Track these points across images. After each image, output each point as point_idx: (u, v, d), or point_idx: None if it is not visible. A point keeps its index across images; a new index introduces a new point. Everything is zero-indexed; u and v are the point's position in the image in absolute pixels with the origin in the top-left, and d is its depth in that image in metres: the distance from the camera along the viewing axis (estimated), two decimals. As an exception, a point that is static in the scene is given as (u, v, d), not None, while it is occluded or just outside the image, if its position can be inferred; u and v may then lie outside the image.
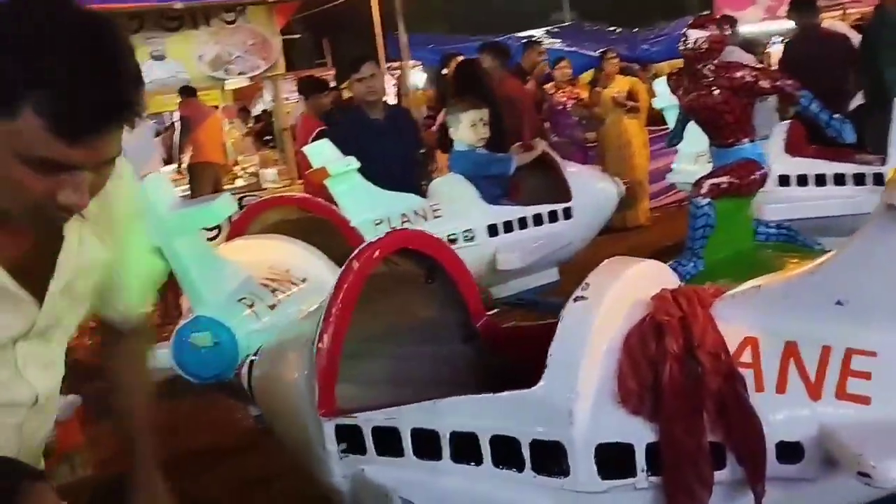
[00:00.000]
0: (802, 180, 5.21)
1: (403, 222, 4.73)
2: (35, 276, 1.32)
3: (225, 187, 8.26)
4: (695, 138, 4.91)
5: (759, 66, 5.61)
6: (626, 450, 1.74)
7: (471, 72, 6.47)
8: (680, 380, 1.70)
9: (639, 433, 1.73)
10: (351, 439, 2.09)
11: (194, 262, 3.16)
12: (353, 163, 4.81)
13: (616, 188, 5.54)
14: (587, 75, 9.45)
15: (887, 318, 1.60)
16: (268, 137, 10.78)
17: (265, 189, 7.98)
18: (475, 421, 1.90)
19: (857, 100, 5.99)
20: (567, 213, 5.13)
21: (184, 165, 8.73)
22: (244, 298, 3.23)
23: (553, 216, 5.09)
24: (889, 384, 1.57)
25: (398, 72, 10.84)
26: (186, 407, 4.36)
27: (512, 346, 2.48)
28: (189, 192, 7.69)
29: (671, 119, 5.67)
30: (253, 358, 2.76)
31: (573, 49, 10.23)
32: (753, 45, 7.99)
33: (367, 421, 2.06)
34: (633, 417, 1.74)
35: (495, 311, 5.78)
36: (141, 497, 1.57)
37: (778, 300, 1.75)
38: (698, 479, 1.66)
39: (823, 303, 1.67)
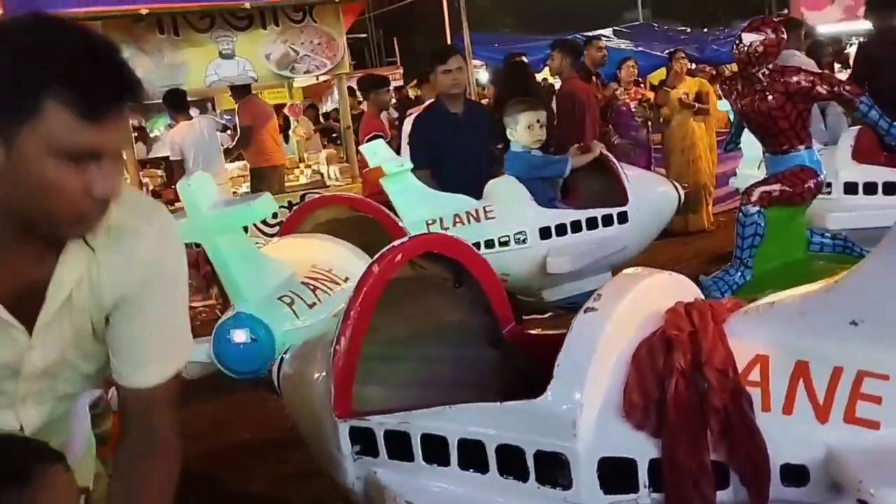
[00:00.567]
0: (870, 188, 5.04)
1: (456, 223, 4.75)
2: (29, 306, 1.35)
3: (289, 184, 8.42)
4: (759, 143, 4.80)
5: (817, 70, 5.43)
6: (628, 464, 1.71)
7: (515, 72, 6.44)
8: (685, 396, 1.67)
9: (642, 448, 1.70)
10: (365, 441, 2.11)
11: (235, 259, 3.23)
12: (407, 163, 4.85)
13: (675, 193, 5.44)
14: (657, 74, 9.29)
15: (903, 341, 1.54)
16: (336, 135, 10.95)
17: (328, 186, 8.10)
18: (482, 429, 1.90)
19: None
20: (622, 218, 5.05)
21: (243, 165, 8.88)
22: (284, 296, 3.28)
23: (608, 220, 5.03)
24: (900, 410, 1.51)
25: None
26: (237, 402, 4.46)
27: (538, 351, 2.46)
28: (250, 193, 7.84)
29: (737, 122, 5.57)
30: (284, 356, 2.81)
31: (641, 49, 10.10)
32: (822, 46, 7.70)
33: (380, 424, 2.07)
34: (636, 432, 1.71)
35: (548, 314, 5.77)
36: None
37: (792, 318, 1.70)
38: (700, 498, 1.62)
39: (838, 322, 1.62)
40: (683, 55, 8.71)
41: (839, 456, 1.51)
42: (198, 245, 3.63)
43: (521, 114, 4.91)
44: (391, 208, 4.58)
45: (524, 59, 8.50)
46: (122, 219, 1.38)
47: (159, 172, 9.41)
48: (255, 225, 6.17)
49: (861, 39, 9.15)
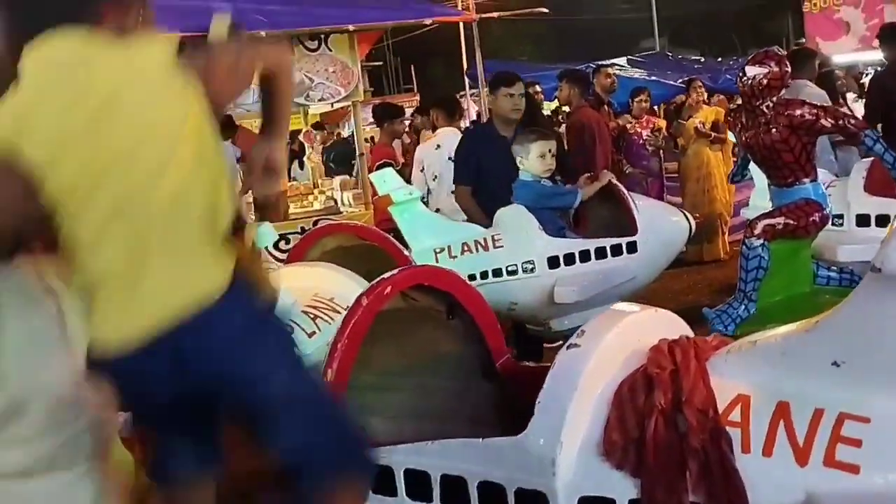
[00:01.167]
0: (883, 221, 4.98)
1: (464, 251, 4.75)
2: None
3: (300, 210, 8.46)
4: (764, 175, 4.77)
5: (826, 102, 5.40)
6: (608, 504, 1.69)
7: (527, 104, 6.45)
8: (664, 436, 1.65)
9: (622, 488, 1.69)
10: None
11: (235, 288, 3.23)
12: (416, 191, 4.86)
13: (686, 223, 5.41)
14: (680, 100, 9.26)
15: (883, 383, 1.52)
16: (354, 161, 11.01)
17: (342, 213, 8.13)
18: (465, 465, 1.89)
19: None
20: (631, 248, 5.02)
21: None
22: (283, 325, 3.28)
23: (616, 250, 5.00)
24: (880, 453, 1.48)
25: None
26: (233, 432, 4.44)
27: (532, 383, 2.45)
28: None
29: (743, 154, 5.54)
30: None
31: (655, 78, 10.12)
32: (834, 76, 7.66)
33: (364, 458, 2.06)
34: (616, 471, 1.69)
35: (558, 343, 5.74)
36: None
37: (774, 357, 1.68)
38: (679, 539, 1.60)
39: (819, 363, 1.59)
40: (701, 84, 8.70)
41: (819, 500, 1.48)
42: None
43: (533, 143, 4.91)
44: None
45: (538, 87, 8.54)
46: None
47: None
48: (267, 251, 6.21)
49: (876, 69, 9.12)
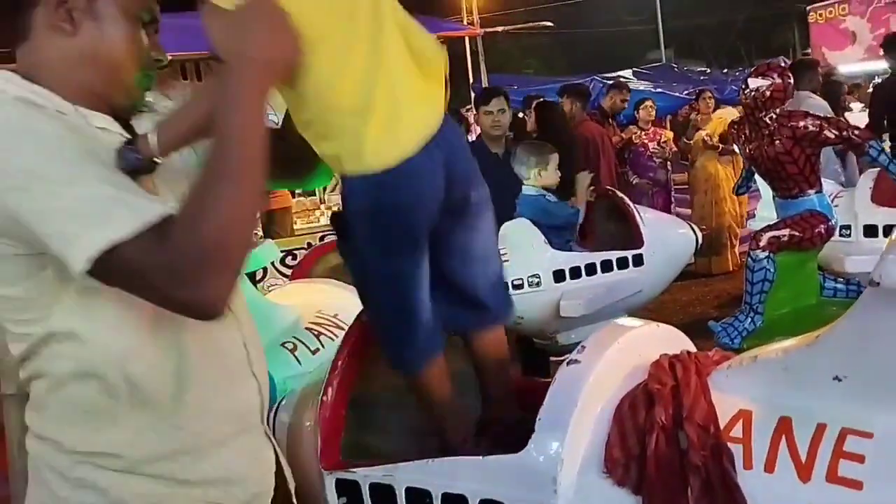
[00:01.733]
0: (890, 231, 4.95)
1: (469, 265, 4.73)
2: None
3: (305, 225, 8.48)
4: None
5: (829, 113, 5.38)
6: (610, 522, 1.67)
7: (549, 114, 6.46)
8: (665, 452, 1.64)
9: (623, 506, 1.67)
10: (351, 494, 2.09)
11: (239, 305, 3.24)
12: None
13: (693, 235, 5.39)
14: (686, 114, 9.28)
15: (886, 398, 1.50)
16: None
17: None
18: (466, 483, 1.87)
19: None
20: (638, 260, 5.01)
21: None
22: (287, 342, 3.29)
23: (623, 263, 4.99)
24: (883, 469, 1.46)
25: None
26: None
27: (535, 399, 2.43)
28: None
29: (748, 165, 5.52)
30: (281, 402, 2.80)
31: (661, 90, 10.12)
32: (837, 86, 7.65)
33: (365, 477, 2.05)
34: (618, 489, 1.68)
35: (564, 357, 5.71)
36: None
37: (775, 372, 1.67)
38: (681, 558, 1.58)
39: (821, 377, 1.58)
40: (710, 95, 8.70)
41: (821, 517, 1.46)
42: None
43: (551, 154, 4.91)
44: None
45: (551, 101, 8.55)
46: None
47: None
48: (274, 267, 6.22)
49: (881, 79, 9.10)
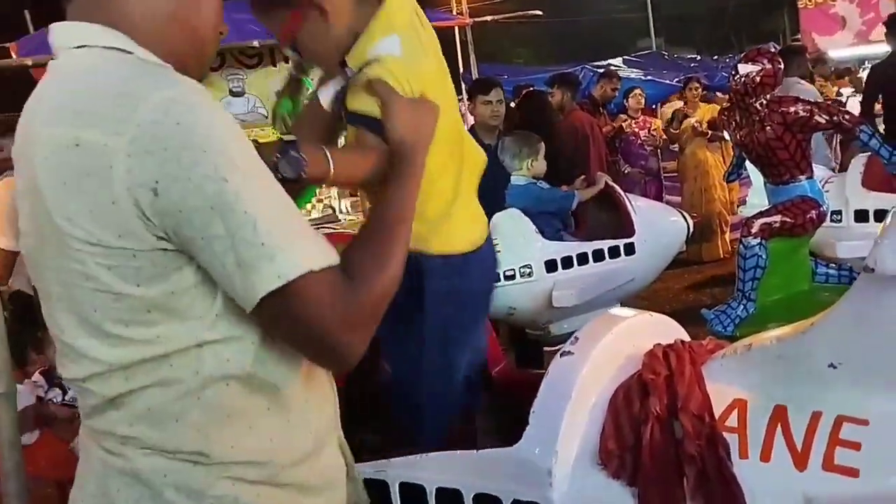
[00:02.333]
0: (881, 216, 4.96)
1: (462, 255, 4.72)
2: None
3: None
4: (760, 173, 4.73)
5: (818, 98, 5.37)
6: (606, 514, 1.66)
7: (536, 105, 6.43)
8: (660, 443, 1.63)
9: (618, 497, 1.66)
10: (345, 490, 2.07)
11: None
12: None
13: (684, 223, 5.37)
14: (670, 106, 9.27)
15: (881, 385, 1.49)
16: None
17: (340, 220, 8.11)
18: (460, 477, 1.86)
19: None
20: (629, 249, 4.99)
21: None
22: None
23: (614, 252, 4.97)
24: (879, 456, 1.45)
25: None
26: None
27: (528, 392, 2.42)
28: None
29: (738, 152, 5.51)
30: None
31: (650, 78, 10.09)
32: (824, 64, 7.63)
33: (359, 473, 2.03)
34: (613, 480, 1.66)
35: (558, 347, 5.70)
36: None
37: (770, 360, 1.65)
38: (677, 548, 1.57)
39: (816, 365, 1.57)
40: (698, 84, 8.68)
41: (817, 506, 1.46)
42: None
43: (540, 143, 4.89)
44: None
45: (539, 89, 8.52)
46: None
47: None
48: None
49: (874, 63, 9.09)
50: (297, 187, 1.47)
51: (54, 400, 4.01)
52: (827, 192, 4.98)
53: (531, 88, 8.05)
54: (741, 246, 4.18)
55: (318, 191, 10.11)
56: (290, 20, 1.75)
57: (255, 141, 1.27)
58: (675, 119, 8.54)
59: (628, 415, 1.69)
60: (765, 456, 1.55)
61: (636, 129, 8.32)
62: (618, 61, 11.55)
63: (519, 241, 4.77)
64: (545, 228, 4.83)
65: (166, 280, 1.13)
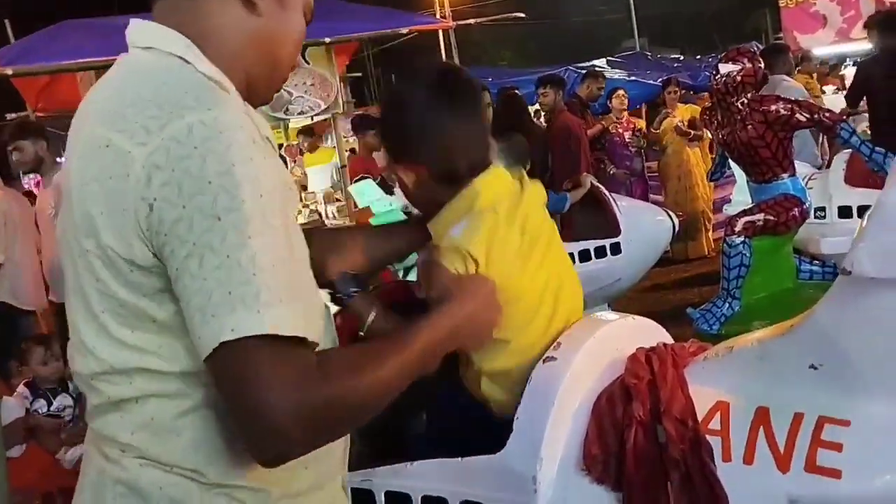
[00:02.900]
0: (864, 212, 4.97)
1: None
2: None
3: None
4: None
5: (804, 96, 5.40)
6: (590, 520, 1.66)
7: (513, 107, 6.44)
8: (644, 447, 1.62)
9: (603, 502, 1.65)
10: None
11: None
12: (396, 203, 4.83)
13: (669, 222, 5.40)
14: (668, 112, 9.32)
15: (862, 385, 1.49)
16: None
17: (325, 225, 8.10)
18: (445, 485, 1.85)
19: None
20: (615, 249, 5.02)
21: None
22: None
23: (600, 252, 4.99)
24: (861, 457, 1.45)
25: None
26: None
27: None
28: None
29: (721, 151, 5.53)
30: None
31: (634, 78, 10.13)
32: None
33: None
34: (597, 486, 1.66)
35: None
36: None
37: (752, 362, 1.66)
38: (662, 553, 1.57)
39: (797, 366, 1.57)
40: (675, 87, 8.72)
41: (800, 508, 1.46)
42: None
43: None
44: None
45: (517, 92, 8.53)
46: None
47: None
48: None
49: (858, 60, 9.14)
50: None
51: (39, 410, 3.99)
52: (811, 188, 5.00)
53: (509, 90, 8.07)
54: (725, 245, 4.20)
55: (303, 195, 10.14)
56: (405, 171, 1.82)
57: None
58: (655, 119, 8.59)
59: (612, 420, 1.69)
60: (748, 458, 1.55)
61: (620, 130, 8.35)
62: (601, 62, 11.59)
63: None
64: None
65: (169, 298, 1.11)
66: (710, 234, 8.38)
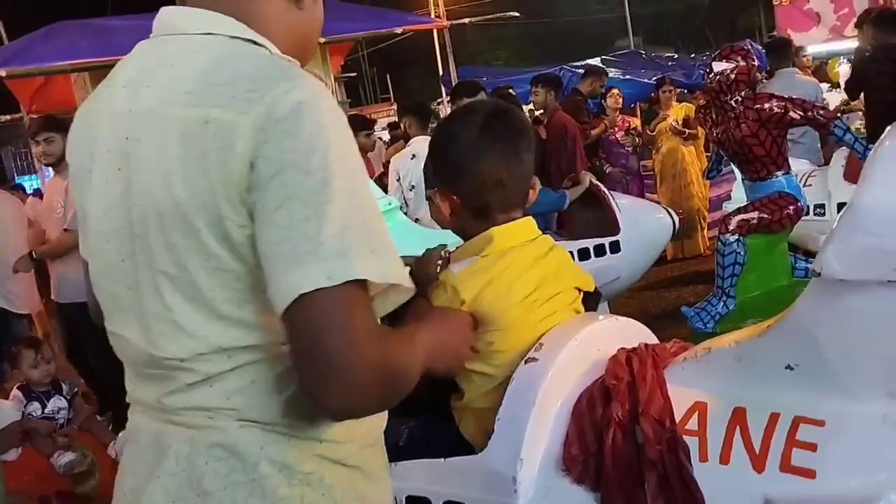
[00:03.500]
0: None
1: (447, 258, 4.75)
2: None
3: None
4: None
5: (817, 92, 5.39)
6: (570, 520, 1.67)
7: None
8: (622, 448, 1.64)
9: (583, 502, 1.67)
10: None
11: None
12: (394, 201, 4.84)
13: (669, 220, 5.38)
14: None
15: (837, 386, 1.51)
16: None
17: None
18: (429, 485, 1.87)
19: None
20: (615, 247, 5.00)
21: None
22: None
23: (600, 250, 4.97)
24: (835, 457, 1.47)
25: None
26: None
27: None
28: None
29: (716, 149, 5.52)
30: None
31: (629, 77, 10.14)
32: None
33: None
34: (576, 486, 1.68)
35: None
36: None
37: (729, 363, 1.67)
38: (640, 552, 1.58)
39: (773, 367, 1.58)
40: (669, 86, 8.74)
41: (776, 507, 1.47)
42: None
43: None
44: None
45: (511, 91, 8.55)
46: None
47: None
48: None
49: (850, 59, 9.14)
50: None
51: (33, 414, 4.00)
52: (810, 185, 5.01)
53: (504, 89, 8.09)
54: (719, 243, 4.21)
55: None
56: (443, 199, 1.96)
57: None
58: (651, 122, 8.61)
59: (591, 420, 1.71)
60: (724, 459, 1.57)
61: (615, 129, 8.37)
62: (596, 61, 11.60)
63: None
64: None
65: None
66: (705, 232, 8.40)
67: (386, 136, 12.17)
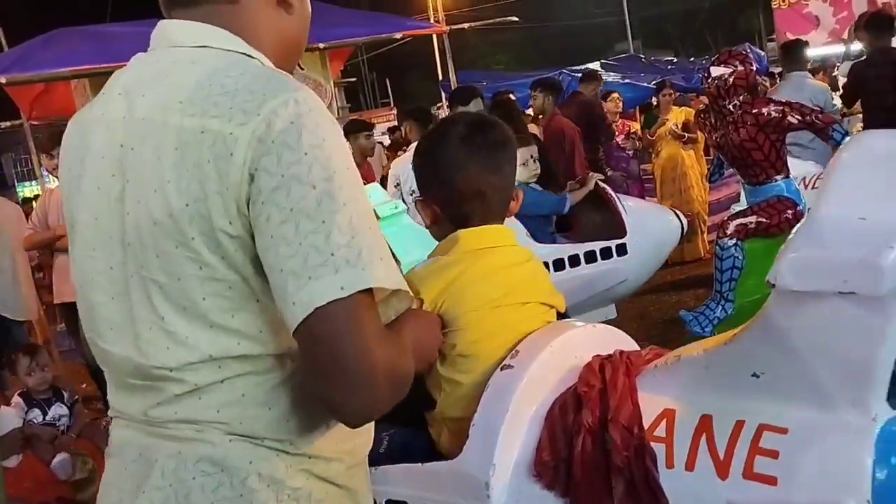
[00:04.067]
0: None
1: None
2: None
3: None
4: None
5: (827, 96, 5.38)
6: (542, 525, 1.70)
7: (504, 111, 6.49)
8: (591, 454, 1.67)
9: (553, 508, 1.70)
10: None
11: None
12: (401, 205, 4.86)
13: (677, 222, 5.38)
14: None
15: (799, 394, 1.53)
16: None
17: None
18: (407, 490, 1.90)
19: None
20: (621, 250, 5.00)
21: None
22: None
23: (606, 253, 4.97)
24: (796, 465, 1.49)
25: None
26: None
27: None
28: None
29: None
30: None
31: (628, 81, 10.17)
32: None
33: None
34: (547, 492, 1.71)
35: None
36: None
37: (697, 371, 1.70)
38: (608, 558, 1.61)
39: (740, 375, 1.61)
40: (669, 90, 8.77)
41: (738, 513, 1.50)
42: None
43: (531, 146, 4.92)
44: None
45: (511, 96, 8.59)
46: None
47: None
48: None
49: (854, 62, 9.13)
50: None
51: (34, 420, 4.04)
52: (816, 188, 5.01)
53: (504, 94, 8.13)
54: (717, 247, 4.22)
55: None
56: (424, 206, 2.03)
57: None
58: (651, 127, 8.64)
59: (563, 427, 1.74)
60: (690, 465, 1.59)
61: (616, 133, 8.40)
62: (595, 65, 11.63)
63: (511, 244, 4.79)
64: (537, 231, 4.85)
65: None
66: (705, 236, 8.42)
67: (386, 140, 12.23)
